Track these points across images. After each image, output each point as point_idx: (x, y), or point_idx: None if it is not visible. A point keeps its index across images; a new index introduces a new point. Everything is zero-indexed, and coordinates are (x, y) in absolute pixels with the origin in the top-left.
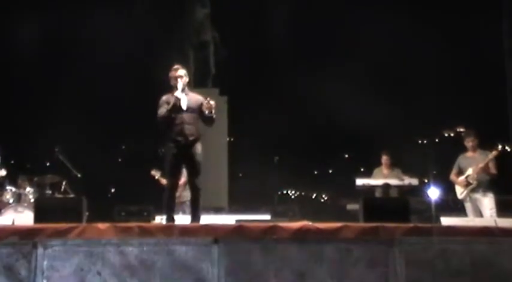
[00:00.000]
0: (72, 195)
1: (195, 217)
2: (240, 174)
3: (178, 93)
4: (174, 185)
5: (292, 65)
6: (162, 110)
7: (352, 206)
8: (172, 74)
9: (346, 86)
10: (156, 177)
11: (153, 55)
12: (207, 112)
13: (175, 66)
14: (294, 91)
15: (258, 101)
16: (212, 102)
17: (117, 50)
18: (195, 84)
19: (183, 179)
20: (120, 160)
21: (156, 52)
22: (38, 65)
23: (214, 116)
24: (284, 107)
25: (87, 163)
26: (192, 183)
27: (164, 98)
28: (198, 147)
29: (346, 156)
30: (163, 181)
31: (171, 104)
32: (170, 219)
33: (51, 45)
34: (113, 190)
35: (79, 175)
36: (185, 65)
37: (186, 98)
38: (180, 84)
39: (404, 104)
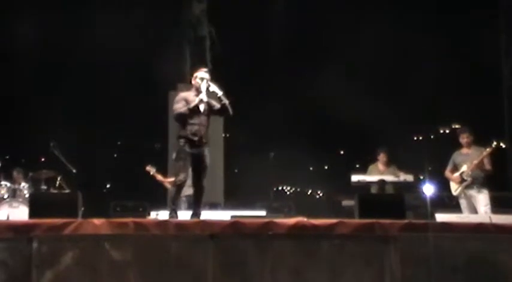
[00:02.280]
0: (67, 191)
1: (196, 214)
2: (236, 170)
3: (203, 96)
4: (183, 181)
5: (289, 60)
6: (180, 106)
7: (348, 202)
8: (197, 74)
9: (342, 82)
10: (151, 173)
11: (148, 50)
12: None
13: (202, 68)
14: (290, 87)
15: (254, 96)
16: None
17: (112, 45)
18: (190, 79)
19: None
20: (115, 155)
21: (151, 47)
22: (35, 61)
23: (226, 102)
24: (280, 103)
25: (82, 158)
26: (198, 183)
27: (183, 95)
28: (208, 151)
29: (342, 152)
30: (159, 177)
31: (193, 104)
32: (174, 214)
33: (48, 43)
34: (108, 185)
35: (74, 170)
36: (182, 61)
37: (205, 100)
38: (204, 86)
39: (400, 100)
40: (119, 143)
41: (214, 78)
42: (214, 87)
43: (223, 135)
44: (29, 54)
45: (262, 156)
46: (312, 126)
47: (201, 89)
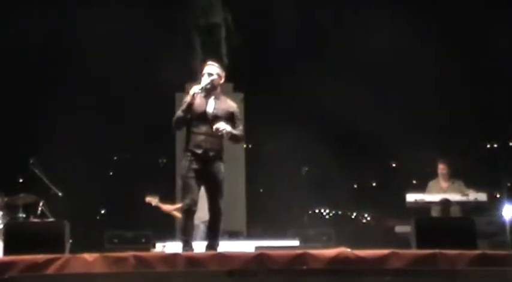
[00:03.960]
0: (51, 219)
1: (212, 245)
2: (261, 190)
3: (195, 89)
4: (191, 206)
5: (324, 57)
6: (178, 112)
7: (402, 228)
8: (202, 69)
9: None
10: (154, 204)
11: (149, 42)
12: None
13: (209, 62)
14: (326, 85)
15: (282, 99)
16: (224, 129)
17: (106, 37)
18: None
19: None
20: (111, 173)
21: (152, 39)
22: (16, 70)
23: (238, 134)
24: (313, 103)
25: (69, 178)
26: (213, 205)
27: (185, 97)
28: (220, 166)
29: (394, 165)
30: (165, 207)
31: (185, 103)
32: (188, 246)
33: (30, 53)
34: (102, 211)
35: (60, 193)
36: (190, 55)
37: (214, 104)
38: (206, 81)
39: (466, 99)
40: (115, 158)
41: (232, 76)
42: (221, 125)
43: (245, 146)
44: (13, 63)
45: (293, 171)
46: (354, 132)
47: (202, 85)
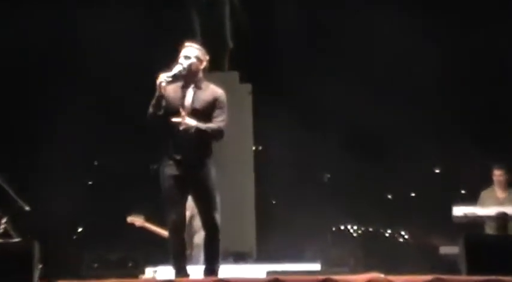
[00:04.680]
0: (16, 239)
1: (211, 269)
2: (274, 201)
3: (163, 77)
4: (177, 223)
5: (346, 51)
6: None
7: (448, 249)
8: (179, 52)
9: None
10: (137, 225)
11: (135, 21)
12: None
13: (187, 43)
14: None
15: (300, 90)
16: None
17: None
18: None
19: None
20: (90, 183)
21: (140, 17)
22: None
23: (208, 128)
24: (338, 99)
25: (39, 189)
26: (206, 219)
27: (169, 87)
28: (210, 170)
29: (437, 170)
30: (151, 227)
31: (155, 96)
32: (181, 272)
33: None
34: (80, 229)
35: (27, 207)
36: (188, 37)
37: (193, 95)
38: (179, 67)
39: None
40: (95, 163)
41: (238, 62)
42: (212, 91)
43: (253, 148)
44: None
45: (312, 178)
46: (386, 131)
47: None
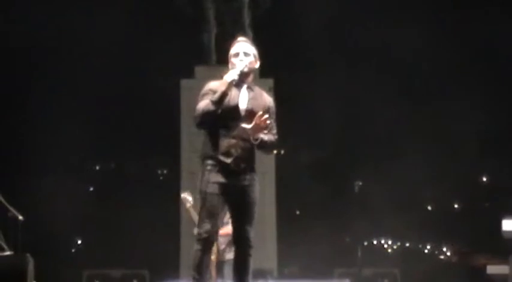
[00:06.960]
0: (8, 252)
1: None
2: (297, 212)
3: (232, 74)
4: (210, 234)
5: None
6: (204, 103)
7: (497, 268)
8: (231, 49)
9: None
10: (187, 206)
11: (146, 16)
12: (255, 137)
13: (238, 38)
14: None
15: (326, 87)
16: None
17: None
18: (218, 58)
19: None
20: (91, 189)
21: (151, 10)
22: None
23: (271, 141)
24: (368, 100)
25: (36, 197)
26: (240, 234)
27: (211, 85)
28: (256, 182)
29: (484, 179)
30: (194, 215)
31: (219, 92)
32: None
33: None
34: (79, 242)
35: (20, 217)
36: (201, 28)
37: (248, 97)
38: (241, 64)
39: None
40: (97, 168)
41: (258, 56)
42: (265, 96)
43: (275, 152)
44: None
45: (341, 186)
46: (426, 132)
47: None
